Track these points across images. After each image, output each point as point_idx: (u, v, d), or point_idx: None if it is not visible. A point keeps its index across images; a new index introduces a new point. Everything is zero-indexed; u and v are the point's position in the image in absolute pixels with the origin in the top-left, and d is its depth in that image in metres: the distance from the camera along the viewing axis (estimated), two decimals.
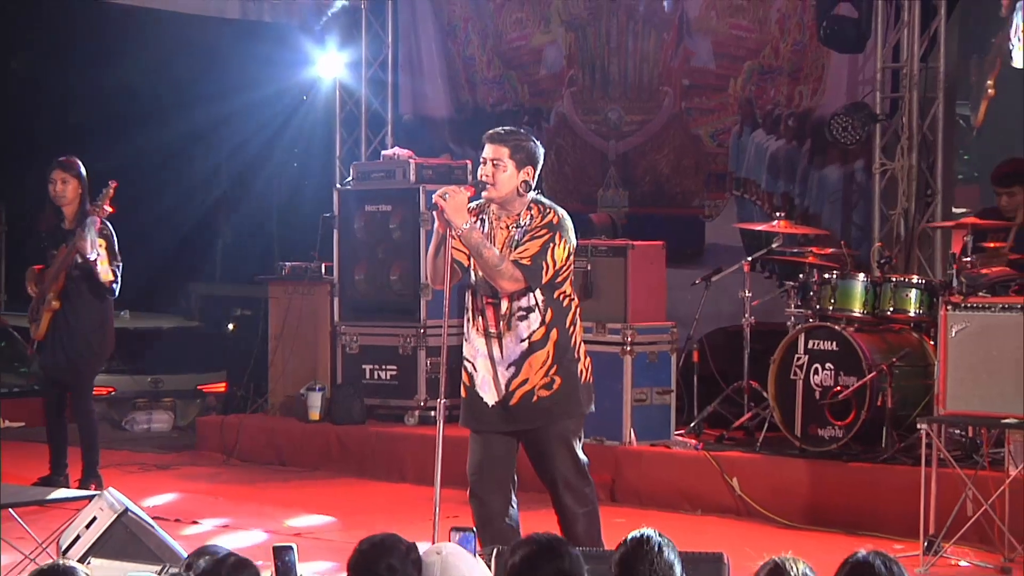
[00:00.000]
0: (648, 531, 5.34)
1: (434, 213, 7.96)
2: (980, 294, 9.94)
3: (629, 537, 5.33)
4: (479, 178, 8.00)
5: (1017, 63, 11.21)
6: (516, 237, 7.94)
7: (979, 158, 11.40)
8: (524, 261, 7.86)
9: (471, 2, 15.71)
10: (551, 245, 7.90)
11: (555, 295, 7.99)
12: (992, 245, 10.54)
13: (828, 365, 11.07)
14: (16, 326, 14.47)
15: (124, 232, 11.78)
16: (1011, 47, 11.40)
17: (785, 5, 13.76)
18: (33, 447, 12.39)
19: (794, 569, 5.36)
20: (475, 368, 8.07)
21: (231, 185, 19.26)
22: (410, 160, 13.89)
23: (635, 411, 11.91)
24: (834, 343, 11.07)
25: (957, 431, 10.50)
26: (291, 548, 6.14)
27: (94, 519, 7.99)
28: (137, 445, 14.89)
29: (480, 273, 7.98)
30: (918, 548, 9.47)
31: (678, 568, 5.28)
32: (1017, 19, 11.36)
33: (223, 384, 16.18)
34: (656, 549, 5.28)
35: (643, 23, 14.68)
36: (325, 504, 11.77)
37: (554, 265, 7.92)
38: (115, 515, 7.94)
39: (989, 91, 11.80)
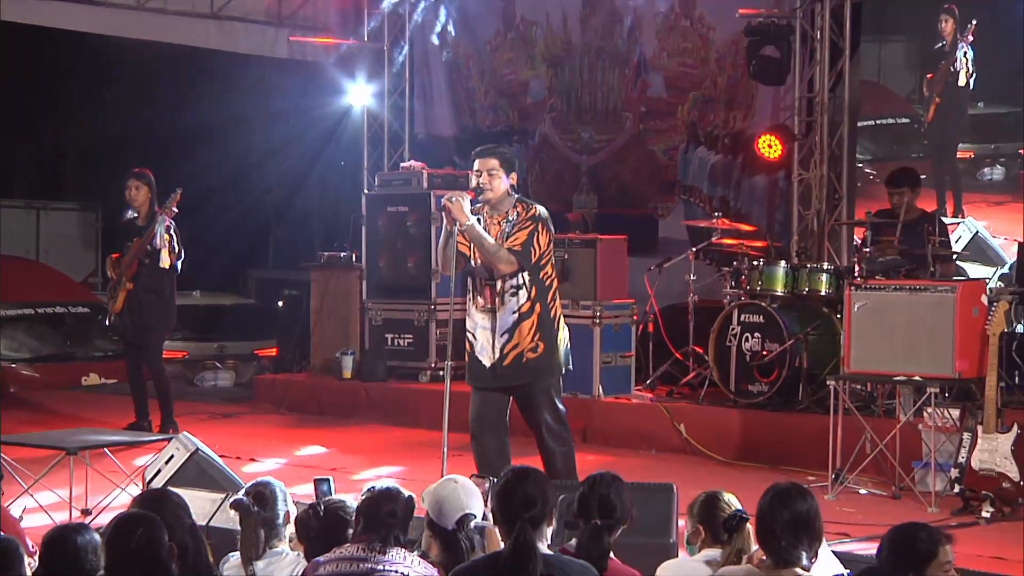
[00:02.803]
0: (602, 472, 5.38)
1: (443, 213, 7.97)
2: (877, 277, 9.96)
3: (588, 478, 5.37)
4: (478, 184, 8.01)
5: (961, 82, 11.64)
6: (507, 231, 7.97)
7: (930, 144, 12.05)
8: (516, 247, 7.89)
9: (472, 44, 15.70)
10: (536, 233, 7.93)
11: (540, 275, 8.01)
12: (886, 238, 10.56)
13: (756, 334, 11.08)
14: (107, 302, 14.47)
15: (196, 229, 11.80)
16: (956, 70, 11.71)
17: (722, 47, 13.76)
18: (123, 400, 12.40)
19: (724, 498, 5.39)
20: (475, 338, 8.09)
21: (281, 191, 19.25)
22: (423, 171, 13.87)
23: (603, 371, 11.91)
24: (761, 316, 11.08)
25: (859, 386, 10.52)
26: (328, 480, 6.15)
27: (172, 456, 8.01)
28: (206, 398, 14.90)
29: (479, 261, 8.00)
30: (827, 479, 9.48)
31: (626, 499, 5.32)
32: (959, 53, 11.64)
33: (274, 349, 16.18)
34: (608, 484, 5.31)
35: (609, 61, 14.67)
36: (356, 445, 11.77)
37: (539, 248, 7.95)
38: (188, 453, 7.96)
39: (936, 99, 12.12)
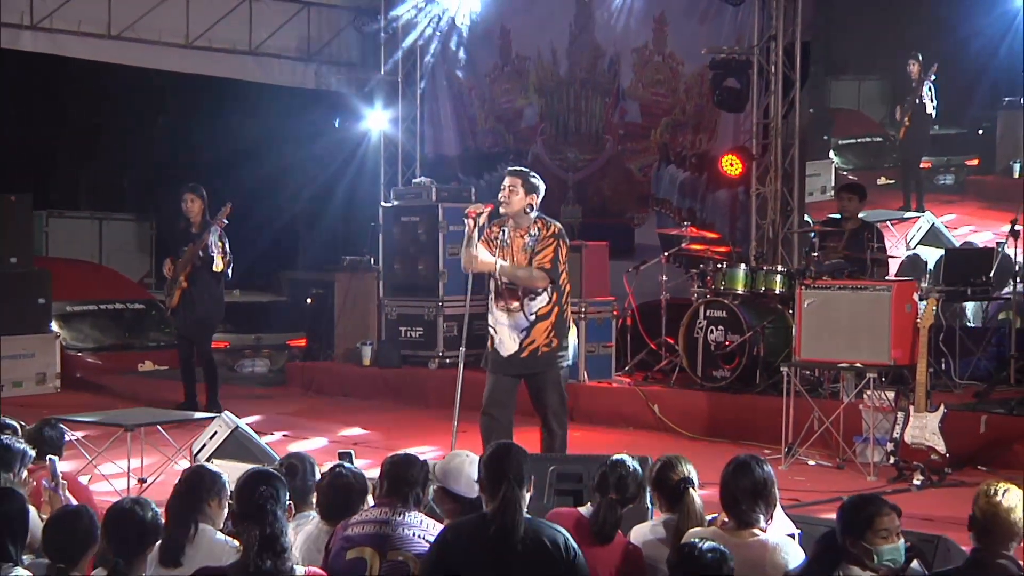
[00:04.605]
0: (624, 456, 5.37)
1: (465, 219, 8.00)
2: (824, 278, 9.98)
3: (611, 460, 5.35)
4: (499, 199, 8.05)
5: (929, 111, 12.31)
6: (529, 244, 8.01)
7: (900, 156, 12.86)
8: (546, 265, 7.96)
9: (474, 77, 15.69)
10: (558, 249, 8.01)
11: (559, 282, 8.06)
12: (832, 244, 10.58)
13: (720, 327, 11.09)
14: (161, 300, 14.45)
15: (235, 236, 11.78)
16: (923, 102, 12.35)
17: (690, 79, 13.75)
18: (174, 383, 12.40)
19: (675, 467, 5.37)
20: (496, 332, 8.11)
21: (309, 203, 19.19)
22: (432, 186, 13.87)
23: (588, 359, 11.92)
24: (724, 312, 11.08)
25: (808, 372, 10.52)
26: (350, 453, 6.15)
27: (215, 432, 8.01)
28: (244, 382, 14.88)
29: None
30: (781, 452, 9.50)
31: (640, 481, 5.31)
32: (924, 88, 12.27)
33: (304, 340, 16.14)
34: (628, 467, 5.31)
35: (592, 91, 14.66)
36: (374, 422, 11.76)
37: (561, 262, 8.01)
38: (230, 430, 7.95)
39: (906, 122, 12.65)
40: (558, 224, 8.12)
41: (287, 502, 4.63)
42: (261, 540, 4.33)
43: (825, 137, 13.14)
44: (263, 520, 4.37)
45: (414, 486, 5.13)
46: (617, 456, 5.35)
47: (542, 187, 8.14)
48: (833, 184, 12.87)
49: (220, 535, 4.97)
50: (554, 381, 8.09)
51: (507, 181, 8.06)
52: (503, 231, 8.05)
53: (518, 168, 8.34)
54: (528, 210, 8.03)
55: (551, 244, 7.96)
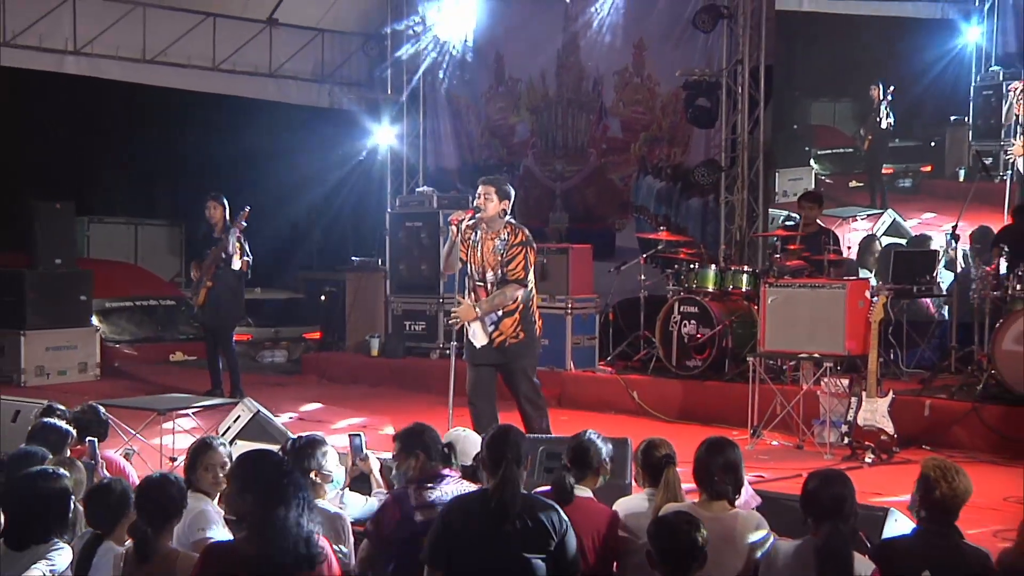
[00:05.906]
0: (588, 431, 5.39)
1: (448, 226, 8.00)
2: (785, 277, 9.98)
3: (576, 435, 5.38)
4: (476, 205, 8.02)
5: (883, 126, 12.92)
6: (499, 247, 7.98)
7: (866, 164, 13.30)
8: (519, 275, 7.95)
9: (471, 96, 15.68)
10: (527, 255, 7.97)
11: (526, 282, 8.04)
12: (792, 247, 10.59)
13: (692, 321, 11.08)
14: (189, 296, 14.41)
15: (257, 240, 11.77)
16: (880, 119, 12.89)
17: (666, 98, 13.76)
18: (201, 372, 12.37)
19: (656, 446, 5.38)
20: (469, 326, 8.10)
21: (323, 210, 19.15)
22: (433, 194, 13.88)
23: (574, 350, 11.92)
24: (696, 308, 11.08)
25: (771, 362, 10.52)
26: (360, 435, 6.14)
27: (239, 416, 7.98)
28: (265, 371, 14.85)
29: (472, 266, 8.02)
30: (747, 434, 9.50)
31: (605, 451, 5.32)
32: (882, 108, 12.86)
33: (319, 333, 16.12)
34: (586, 439, 5.32)
35: (577, 109, 14.66)
36: (381, 407, 11.73)
37: (530, 266, 7.99)
38: (252, 414, 7.93)
39: (869, 137, 13.04)
40: (526, 231, 8.09)
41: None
42: (260, 515, 4.32)
43: (806, 148, 13.64)
44: (258, 496, 4.36)
45: (434, 444, 5.19)
46: (583, 431, 5.38)
47: (512, 193, 8.13)
48: (813, 187, 13.16)
49: (211, 508, 4.99)
50: (522, 370, 8.07)
51: (481, 189, 8.04)
52: (475, 232, 8.06)
53: (492, 177, 8.33)
54: (501, 215, 8.03)
55: (520, 252, 7.95)
